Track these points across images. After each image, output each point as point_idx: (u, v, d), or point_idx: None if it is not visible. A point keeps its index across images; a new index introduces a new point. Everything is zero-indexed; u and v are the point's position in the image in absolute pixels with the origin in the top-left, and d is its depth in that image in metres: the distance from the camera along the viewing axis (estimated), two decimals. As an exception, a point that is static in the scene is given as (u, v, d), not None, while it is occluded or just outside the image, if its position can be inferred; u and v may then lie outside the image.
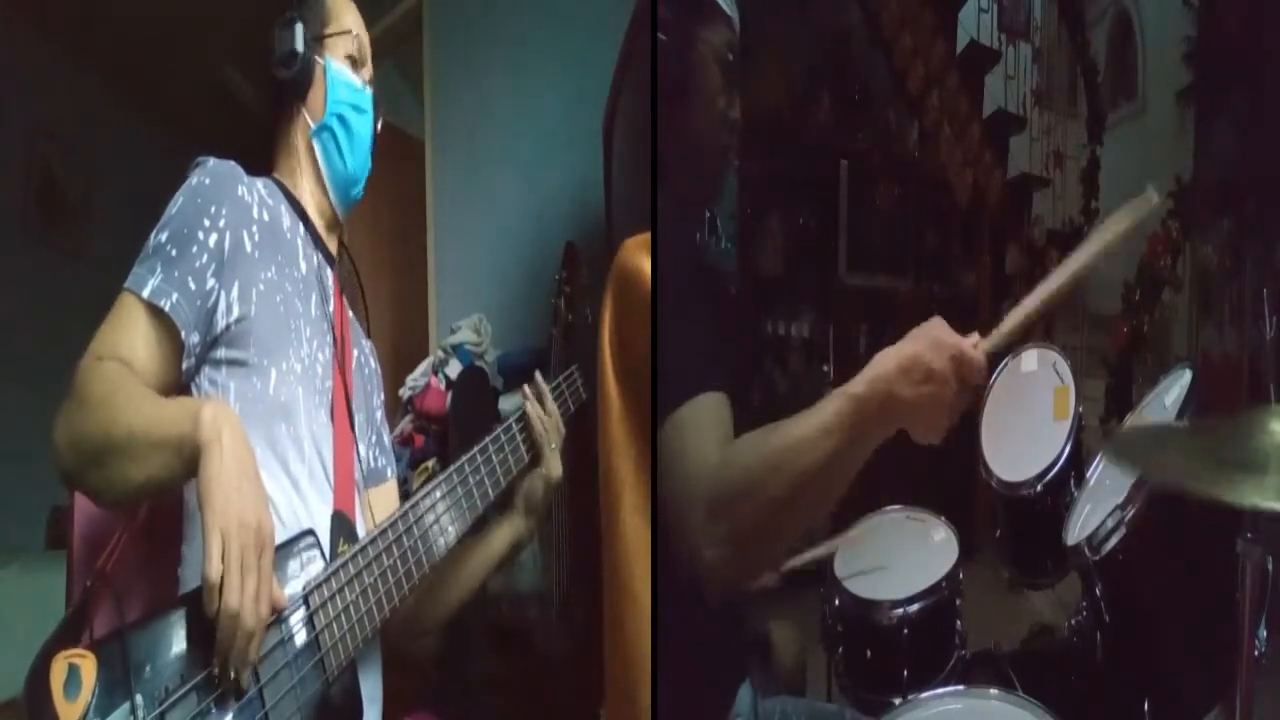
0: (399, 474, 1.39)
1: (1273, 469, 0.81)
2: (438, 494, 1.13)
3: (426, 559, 1.09)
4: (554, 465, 1.28)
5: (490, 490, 1.20)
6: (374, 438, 1.27)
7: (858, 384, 0.80)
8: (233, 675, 0.84)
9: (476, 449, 1.20)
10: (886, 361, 0.80)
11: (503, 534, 1.27)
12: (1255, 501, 0.78)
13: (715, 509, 0.82)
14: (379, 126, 1.28)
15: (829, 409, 0.80)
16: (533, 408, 1.28)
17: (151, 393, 0.95)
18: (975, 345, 0.81)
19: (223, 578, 0.82)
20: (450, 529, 1.13)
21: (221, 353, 1.03)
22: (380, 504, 1.24)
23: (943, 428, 0.81)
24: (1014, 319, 0.85)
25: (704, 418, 0.86)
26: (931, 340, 0.80)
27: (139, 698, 0.80)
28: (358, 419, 1.20)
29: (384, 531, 1.05)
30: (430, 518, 1.10)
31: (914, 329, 0.82)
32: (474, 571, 1.26)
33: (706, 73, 1.05)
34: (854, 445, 0.81)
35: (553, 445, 1.28)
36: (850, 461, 0.82)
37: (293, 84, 1.19)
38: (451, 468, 1.17)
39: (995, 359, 0.87)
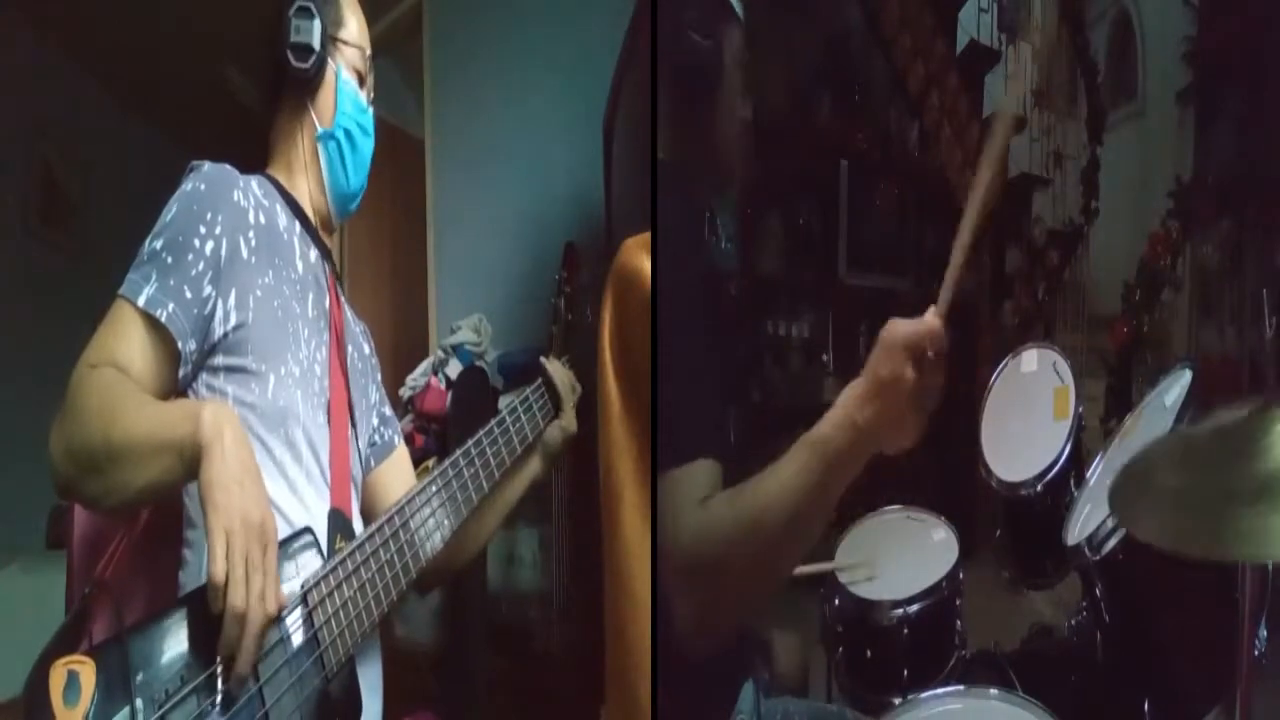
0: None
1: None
2: (433, 488, 1.13)
3: (424, 552, 1.10)
4: (572, 419, 1.38)
5: (485, 482, 1.21)
6: (376, 421, 1.29)
7: (821, 427, 0.83)
8: (239, 672, 0.84)
9: (470, 443, 1.20)
10: (845, 396, 0.83)
11: (522, 478, 1.35)
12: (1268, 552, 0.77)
13: (690, 572, 0.85)
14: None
15: (795, 462, 0.83)
16: (554, 366, 1.37)
17: (149, 397, 0.95)
18: (928, 317, 0.83)
19: (229, 576, 0.83)
20: (446, 521, 1.14)
21: (219, 360, 1.03)
22: (394, 474, 1.28)
23: (912, 429, 0.83)
24: (950, 274, 0.89)
25: (690, 486, 0.87)
26: (882, 348, 0.82)
27: (138, 701, 0.80)
28: (356, 414, 1.20)
29: (380, 527, 1.05)
30: (427, 511, 1.11)
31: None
32: (495, 516, 1.33)
33: (729, 75, 1.06)
34: (826, 488, 0.83)
35: (573, 401, 1.37)
36: (824, 504, 0.85)
37: (305, 80, 1.17)
38: (446, 461, 1.17)
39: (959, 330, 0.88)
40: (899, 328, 0.82)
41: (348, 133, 1.20)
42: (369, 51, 1.26)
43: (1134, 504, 0.88)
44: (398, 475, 1.29)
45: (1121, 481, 0.90)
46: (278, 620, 0.90)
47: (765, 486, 0.84)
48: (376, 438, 1.28)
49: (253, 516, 0.85)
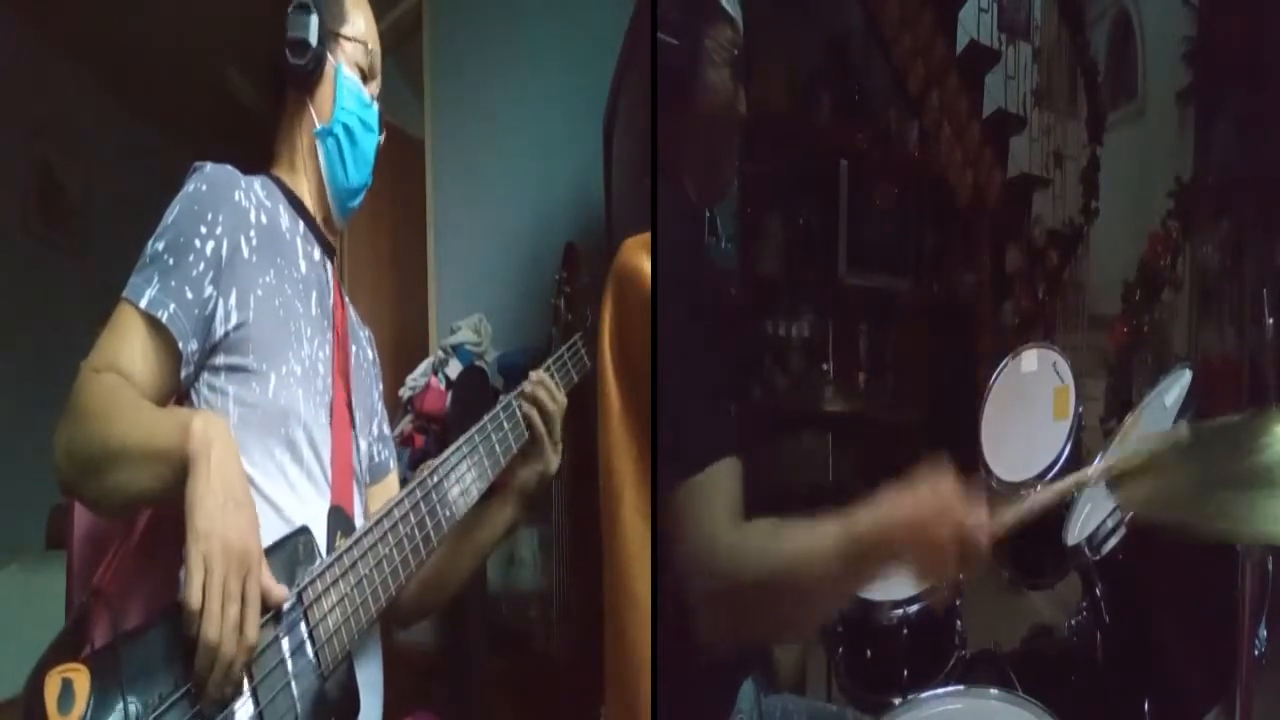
0: (399, 473, 1.39)
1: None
2: (432, 480, 1.12)
3: (424, 546, 1.09)
4: (552, 460, 1.25)
5: (490, 471, 1.19)
6: (375, 432, 1.28)
7: (863, 521, 0.82)
8: (213, 699, 0.84)
9: (473, 431, 1.19)
10: (893, 510, 0.81)
11: (498, 520, 1.25)
12: (1260, 530, 0.77)
13: (721, 590, 0.86)
14: (381, 141, 1.27)
15: (832, 536, 0.82)
16: (534, 395, 1.23)
17: (147, 403, 0.95)
18: (981, 528, 0.81)
19: (205, 606, 0.82)
20: (445, 517, 1.13)
21: (220, 359, 1.03)
22: (385, 498, 1.24)
23: (941, 576, 0.85)
24: (1022, 511, 0.86)
25: (717, 490, 0.88)
26: (939, 507, 0.81)
27: (133, 706, 0.80)
28: (358, 415, 1.20)
29: (379, 521, 1.05)
30: (426, 505, 1.11)
31: (924, 474, 0.82)
32: (468, 560, 1.25)
33: (713, 72, 1.05)
34: (850, 574, 0.85)
35: (553, 438, 1.25)
36: (846, 585, 0.88)
37: (303, 77, 1.16)
38: (446, 452, 1.16)
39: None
40: (958, 507, 0.81)
41: (347, 128, 1.19)
42: (372, 45, 1.24)
43: (1131, 477, 0.90)
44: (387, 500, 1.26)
45: (1122, 468, 0.92)
46: (274, 620, 0.90)
47: (800, 542, 0.84)
48: (374, 453, 1.27)
49: (233, 544, 0.84)
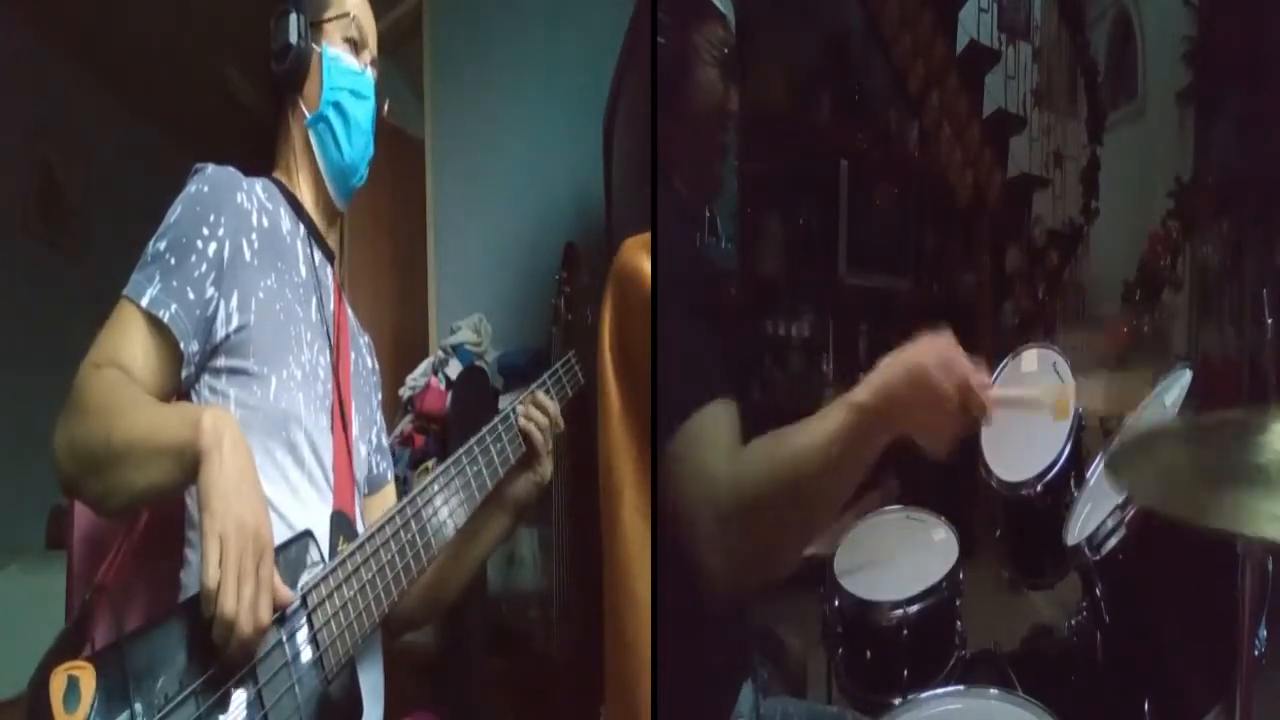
0: (399, 474, 1.39)
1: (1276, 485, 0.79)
2: (435, 487, 1.13)
3: (425, 553, 1.09)
4: (547, 469, 1.28)
5: (489, 481, 1.20)
6: (374, 442, 1.27)
7: (862, 392, 0.80)
8: (229, 679, 0.84)
9: (472, 442, 1.20)
10: (894, 369, 0.80)
11: (493, 528, 1.27)
12: (1258, 530, 0.76)
13: (725, 519, 0.83)
14: (385, 110, 1.25)
15: (833, 419, 0.80)
16: (529, 414, 1.26)
17: (151, 399, 0.95)
18: (983, 385, 0.80)
19: (221, 583, 0.82)
20: (449, 522, 1.14)
21: (222, 361, 1.03)
22: (381, 510, 1.24)
23: (947, 440, 0.81)
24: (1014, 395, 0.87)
25: (714, 428, 0.86)
26: (942, 360, 0.80)
27: (138, 706, 0.80)
28: (357, 421, 1.20)
29: (381, 528, 1.05)
30: (428, 511, 1.11)
31: (925, 336, 0.82)
32: (466, 567, 1.26)
33: (702, 68, 1.05)
34: (859, 452, 0.81)
35: (549, 449, 1.27)
36: (855, 468, 0.83)
37: (288, 77, 1.17)
38: (448, 461, 1.17)
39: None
40: (961, 362, 0.81)
41: (337, 105, 1.18)
42: (357, 14, 1.22)
43: (1134, 467, 0.89)
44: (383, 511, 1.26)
45: (1123, 446, 0.92)
46: (277, 622, 0.90)
47: (801, 438, 0.82)
48: (373, 465, 1.27)
49: (247, 523, 0.84)
